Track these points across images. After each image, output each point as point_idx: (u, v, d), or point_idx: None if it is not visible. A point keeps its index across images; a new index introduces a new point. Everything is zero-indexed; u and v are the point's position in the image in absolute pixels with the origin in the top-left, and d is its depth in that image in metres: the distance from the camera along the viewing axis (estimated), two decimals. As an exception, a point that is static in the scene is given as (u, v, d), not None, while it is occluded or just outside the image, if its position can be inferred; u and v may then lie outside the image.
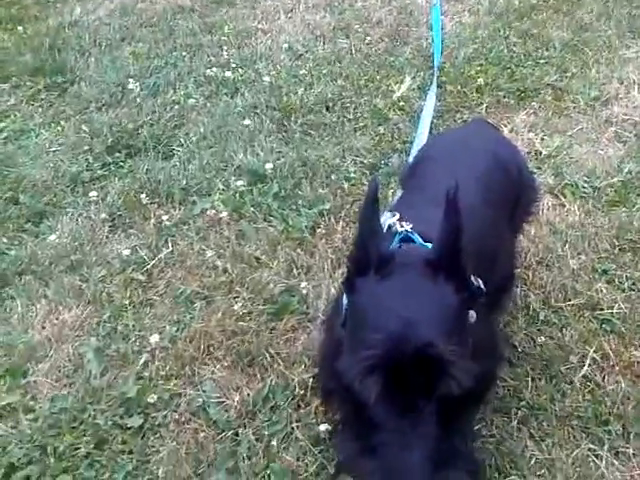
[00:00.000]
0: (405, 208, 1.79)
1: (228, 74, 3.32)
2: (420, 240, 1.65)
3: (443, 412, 1.33)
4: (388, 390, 1.29)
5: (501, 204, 1.89)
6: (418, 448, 1.28)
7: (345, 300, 1.49)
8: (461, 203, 1.78)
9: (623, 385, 1.93)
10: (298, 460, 1.80)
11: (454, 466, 1.34)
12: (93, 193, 2.64)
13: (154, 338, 2.07)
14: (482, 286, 1.66)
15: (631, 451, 1.79)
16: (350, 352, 1.35)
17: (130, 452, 1.83)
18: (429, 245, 1.63)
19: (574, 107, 3.08)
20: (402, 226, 1.68)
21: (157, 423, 1.89)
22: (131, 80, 3.30)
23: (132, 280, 2.29)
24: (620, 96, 3.13)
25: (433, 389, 1.29)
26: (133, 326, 2.14)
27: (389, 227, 1.72)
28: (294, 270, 2.32)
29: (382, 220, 1.77)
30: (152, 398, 1.92)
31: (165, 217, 2.51)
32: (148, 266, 2.33)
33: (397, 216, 1.72)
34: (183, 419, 1.89)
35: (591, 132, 2.93)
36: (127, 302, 2.21)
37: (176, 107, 3.11)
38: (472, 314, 1.48)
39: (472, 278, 1.62)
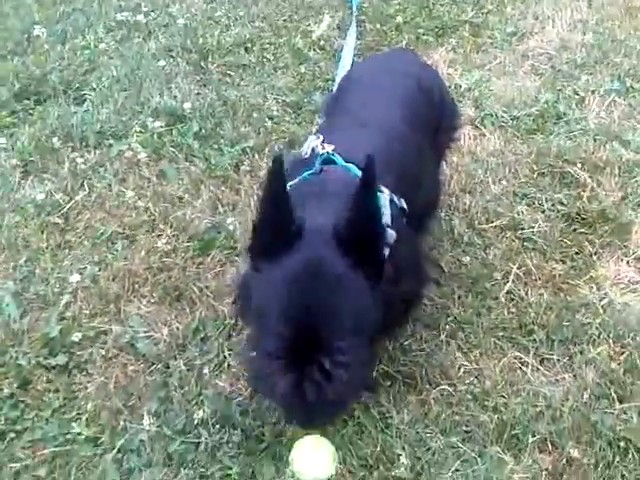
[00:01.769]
0: (329, 131, 1.78)
1: (140, 17, 3.21)
2: (342, 161, 1.64)
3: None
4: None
5: (424, 127, 1.89)
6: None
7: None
8: (385, 125, 1.79)
9: (545, 296, 1.99)
10: (231, 386, 1.78)
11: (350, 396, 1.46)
12: (1, 140, 2.51)
13: (74, 278, 2.00)
14: (405, 206, 1.67)
15: (555, 357, 1.85)
16: (256, 328, 1.44)
17: (56, 390, 1.76)
18: (351, 166, 1.63)
19: (491, 43, 3.12)
20: (324, 148, 1.67)
21: (83, 360, 1.83)
22: (37, 27, 3.14)
23: (48, 224, 2.19)
24: (535, 31, 3.19)
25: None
26: (52, 269, 2.05)
27: (312, 150, 1.71)
28: (219, 208, 2.27)
29: (306, 144, 1.75)
30: (76, 337, 1.86)
31: (80, 160, 2.42)
32: (64, 209, 2.24)
33: (320, 139, 1.70)
34: (110, 354, 1.84)
35: (508, 66, 2.98)
36: (44, 245, 2.12)
37: (86, 52, 2.99)
38: (392, 234, 1.49)
39: (395, 198, 1.63)
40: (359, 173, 1.60)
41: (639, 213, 2.24)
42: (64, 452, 1.64)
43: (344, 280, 1.36)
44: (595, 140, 2.56)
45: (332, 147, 1.66)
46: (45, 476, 1.60)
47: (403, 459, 1.61)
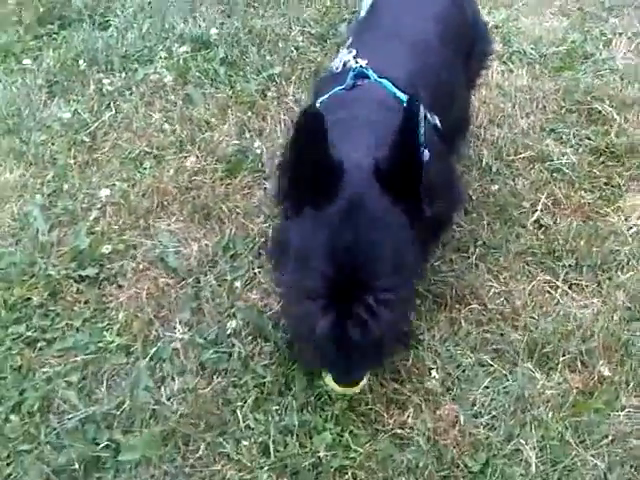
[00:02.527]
0: (361, 45, 1.74)
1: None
2: (375, 76, 1.61)
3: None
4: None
5: (458, 45, 1.85)
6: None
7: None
8: (419, 39, 1.75)
9: (574, 224, 1.99)
10: (262, 300, 1.79)
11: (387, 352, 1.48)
12: (27, 61, 2.48)
13: (104, 192, 1.99)
14: (439, 124, 1.65)
15: (584, 282, 1.86)
16: (295, 271, 1.35)
17: (87, 302, 1.77)
18: (385, 82, 1.60)
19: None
20: (357, 62, 1.64)
21: (113, 273, 1.83)
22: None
23: (75, 142, 2.18)
24: (563, -28, 3.13)
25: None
26: (80, 185, 2.04)
27: (344, 64, 1.68)
28: (246, 133, 2.25)
29: (338, 57, 1.73)
30: (106, 249, 1.86)
31: (106, 81, 2.39)
32: (91, 128, 2.22)
33: (353, 52, 1.67)
34: (141, 267, 1.84)
35: (536, 6, 2.93)
36: (72, 162, 2.11)
37: (110, -22, 2.93)
38: (426, 153, 1.45)
39: (429, 115, 1.61)
40: (393, 90, 1.58)
41: (668, 148, 2.23)
42: (96, 359, 1.66)
43: (387, 219, 1.34)
44: (622, 79, 2.53)
45: (365, 61, 1.63)
46: (77, 382, 1.61)
47: (434, 373, 1.63)
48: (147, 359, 1.64)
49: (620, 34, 2.78)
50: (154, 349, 1.66)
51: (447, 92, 1.75)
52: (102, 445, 1.49)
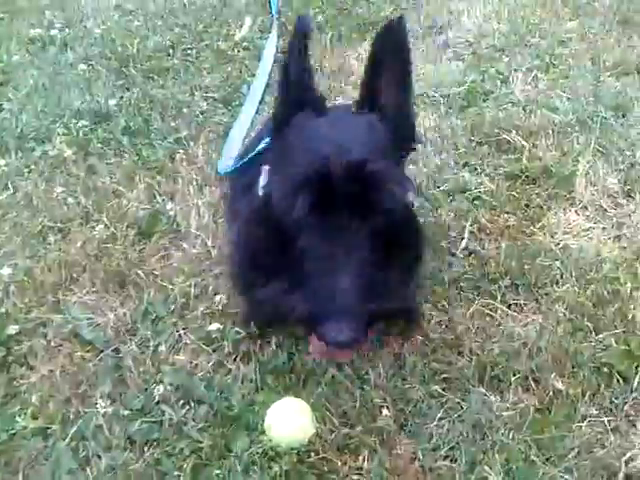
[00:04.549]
0: None
1: (54, 32, 3.08)
2: None
3: (377, 239, 1.27)
4: (319, 209, 1.22)
5: None
6: (349, 271, 1.21)
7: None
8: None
9: (503, 246, 1.96)
10: (191, 363, 1.64)
11: (387, 298, 1.27)
12: None
13: (6, 271, 1.83)
14: None
15: (522, 301, 1.81)
16: (280, 179, 1.30)
17: (-6, 388, 1.58)
18: None
19: (411, 35, 3.13)
20: None
21: (23, 353, 1.65)
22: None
23: (-28, 225, 2.02)
24: (452, 23, 3.25)
25: (368, 207, 1.24)
26: (-21, 268, 1.87)
27: None
28: (157, 197, 2.15)
29: None
30: (13, 330, 1.69)
31: (1, 162, 2.25)
32: (-12, 210, 2.07)
33: None
34: (53, 344, 1.67)
35: (432, 54, 3.01)
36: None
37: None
38: None
39: None
40: None
41: (579, 166, 2.26)
42: (9, 448, 1.46)
43: (373, 125, 1.34)
44: (525, 110, 2.59)
45: None
46: (-12, 477, 1.41)
47: (385, 411, 1.51)
48: (67, 440, 1.46)
49: (515, 70, 2.87)
50: (74, 428, 1.48)
51: None
52: None
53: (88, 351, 1.67)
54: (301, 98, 1.33)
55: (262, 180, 1.51)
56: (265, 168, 1.51)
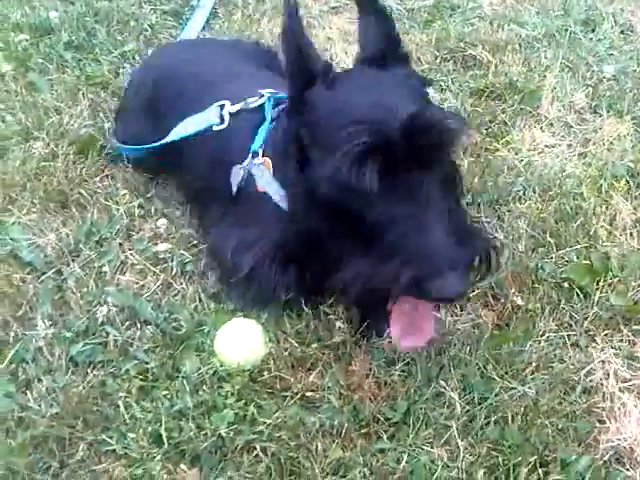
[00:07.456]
0: None
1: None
2: None
3: (446, 186, 1.23)
4: (388, 173, 1.15)
5: None
6: (438, 225, 1.16)
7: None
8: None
9: (466, 162, 1.89)
10: (137, 284, 1.56)
11: (478, 238, 1.27)
12: None
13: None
14: None
15: (484, 218, 1.76)
16: (330, 158, 1.18)
17: None
18: None
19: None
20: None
21: (-45, 276, 1.55)
22: None
23: None
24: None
25: (434, 156, 1.18)
26: None
27: None
28: (101, 114, 2.02)
29: None
30: (-55, 252, 1.58)
31: None
32: None
33: None
34: (-11, 266, 1.58)
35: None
36: None
37: None
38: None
39: None
40: None
41: (546, 81, 2.18)
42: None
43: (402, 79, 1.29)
44: (492, 24, 2.49)
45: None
46: None
47: (340, 323, 1.46)
48: (5, 363, 1.38)
49: (482, -16, 2.74)
50: (13, 351, 1.40)
51: None
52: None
53: (28, 273, 1.58)
54: (310, 72, 1.27)
55: (266, 177, 1.45)
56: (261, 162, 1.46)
